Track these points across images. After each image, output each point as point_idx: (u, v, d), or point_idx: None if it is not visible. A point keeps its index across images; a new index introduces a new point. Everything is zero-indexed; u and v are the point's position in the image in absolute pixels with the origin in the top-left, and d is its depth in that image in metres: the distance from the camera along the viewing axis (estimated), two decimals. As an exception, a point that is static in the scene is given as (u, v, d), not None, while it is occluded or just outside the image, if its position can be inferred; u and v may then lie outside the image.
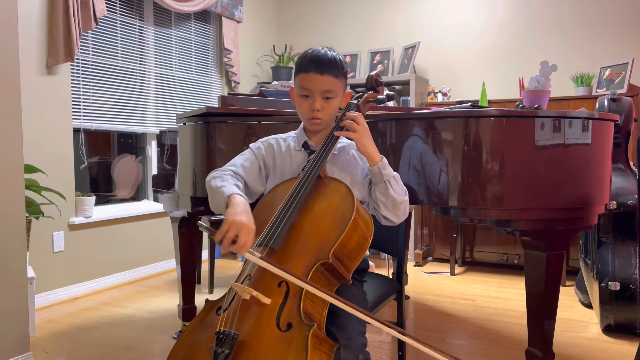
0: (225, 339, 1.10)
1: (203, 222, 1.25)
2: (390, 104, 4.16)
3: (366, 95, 1.55)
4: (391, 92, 1.62)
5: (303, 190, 1.30)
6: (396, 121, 1.74)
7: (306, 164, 1.39)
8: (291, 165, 1.48)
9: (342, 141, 1.51)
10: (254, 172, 1.48)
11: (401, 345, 1.89)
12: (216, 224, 1.23)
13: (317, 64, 1.38)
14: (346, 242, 1.23)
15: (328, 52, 1.41)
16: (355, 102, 1.53)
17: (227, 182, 1.36)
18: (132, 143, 3.78)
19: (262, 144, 1.54)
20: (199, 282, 3.37)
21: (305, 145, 1.48)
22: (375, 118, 1.78)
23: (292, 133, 1.55)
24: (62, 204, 2.89)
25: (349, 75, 4.49)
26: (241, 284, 1.20)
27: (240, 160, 1.50)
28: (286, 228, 1.24)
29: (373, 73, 1.58)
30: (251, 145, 1.55)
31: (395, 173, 1.38)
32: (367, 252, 1.58)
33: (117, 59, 3.43)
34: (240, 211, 1.23)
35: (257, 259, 1.16)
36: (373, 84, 1.56)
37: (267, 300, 1.14)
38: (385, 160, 1.35)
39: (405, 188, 1.42)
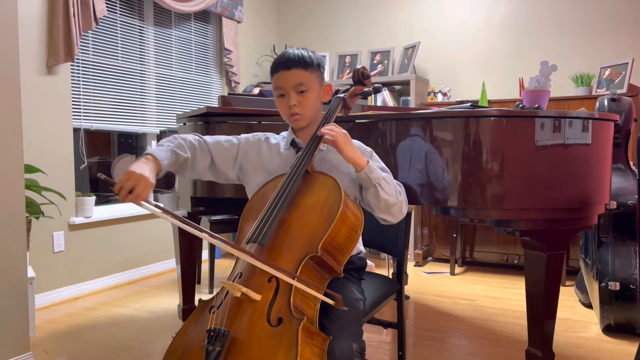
0: (216, 337, 1.11)
1: (103, 175, 1.27)
2: (388, 100, 4.17)
3: (353, 88, 1.56)
4: (378, 85, 1.62)
5: (291, 185, 1.31)
6: (396, 121, 1.74)
7: (294, 160, 1.40)
8: (279, 162, 1.50)
9: None
10: (227, 155, 1.51)
11: (401, 345, 1.89)
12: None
13: (284, 62, 1.42)
14: (335, 235, 1.23)
15: (295, 50, 1.45)
16: (342, 95, 1.54)
17: (165, 147, 1.39)
18: (132, 143, 3.78)
19: (252, 137, 1.57)
20: (199, 282, 3.37)
21: (293, 144, 1.50)
22: (375, 118, 1.78)
23: (283, 133, 1.58)
24: (62, 204, 2.89)
25: (348, 75, 4.50)
26: (232, 281, 1.20)
27: (220, 138, 1.54)
28: (275, 224, 1.25)
29: (359, 66, 1.59)
30: (242, 135, 1.57)
31: (385, 174, 1.37)
32: (364, 250, 1.58)
33: (117, 59, 3.43)
34: (143, 167, 1.26)
35: (153, 207, 1.19)
36: (359, 77, 1.58)
37: (257, 297, 1.15)
38: (372, 164, 1.35)
39: (398, 187, 1.41)
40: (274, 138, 1.57)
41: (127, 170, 1.23)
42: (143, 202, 1.21)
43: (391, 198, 1.36)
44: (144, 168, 1.25)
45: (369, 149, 1.50)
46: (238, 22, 4.40)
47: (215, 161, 1.50)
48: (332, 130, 1.34)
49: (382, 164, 1.48)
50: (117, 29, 3.42)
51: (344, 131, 1.36)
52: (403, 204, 1.40)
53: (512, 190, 1.59)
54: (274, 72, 1.45)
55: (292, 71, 1.41)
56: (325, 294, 1.17)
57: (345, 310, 1.19)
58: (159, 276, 3.66)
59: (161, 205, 1.22)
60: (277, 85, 1.44)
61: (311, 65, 1.43)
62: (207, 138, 1.51)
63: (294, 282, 1.15)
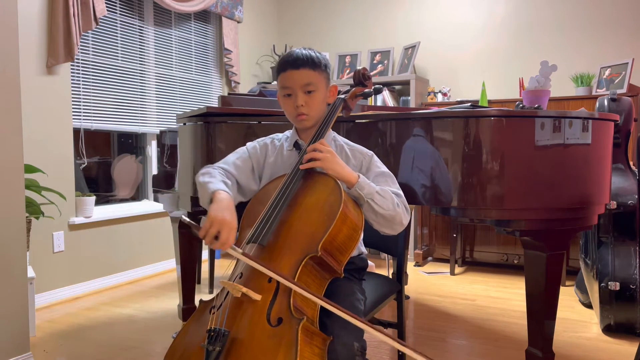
0: (216, 337, 1.11)
1: (187, 218, 1.27)
2: (388, 100, 4.17)
3: (353, 89, 1.56)
4: (379, 86, 1.62)
5: (291, 186, 1.31)
6: (396, 121, 1.74)
7: (296, 161, 1.39)
8: (283, 164, 1.49)
9: (336, 139, 1.51)
10: (247, 171, 1.50)
11: (401, 345, 1.89)
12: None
13: (293, 61, 1.41)
14: (335, 235, 1.23)
15: (303, 50, 1.44)
16: (342, 97, 1.54)
17: (215, 179, 1.38)
18: (132, 143, 3.78)
19: (258, 144, 1.56)
20: (199, 282, 3.37)
21: (296, 145, 1.50)
22: (376, 118, 1.79)
23: (287, 132, 1.57)
24: (62, 204, 2.89)
25: (348, 75, 4.50)
26: (232, 282, 1.21)
27: (233, 158, 1.52)
28: (275, 224, 1.26)
29: (360, 67, 1.59)
30: (248, 144, 1.56)
31: (379, 188, 1.34)
32: (365, 251, 1.58)
33: (117, 59, 3.43)
34: (223, 207, 1.25)
35: (240, 255, 1.18)
36: (360, 78, 1.57)
37: (257, 297, 1.15)
38: (362, 179, 1.31)
39: (396, 198, 1.36)
40: (277, 139, 1.56)
41: (209, 215, 1.22)
42: (230, 249, 1.20)
43: (387, 212, 1.32)
44: (224, 210, 1.24)
45: (370, 152, 1.48)
46: (238, 22, 4.40)
47: (240, 182, 1.48)
48: (316, 151, 1.31)
49: (383, 168, 1.45)
50: (117, 29, 3.42)
51: (329, 149, 1.33)
52: (403, 216, 1.35)
53: (512, 190, 1.59)
54: (281, 71, 1.44)
55: (301, 71, 1.40)
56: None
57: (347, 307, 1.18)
58: (159, 276, 3.66)
59: (244, 251, 1.20)
60: (285, 85, 1.43)
61: (319, 65, 1.42)
62: (222, 165, 1.49)
63: (294, 286, 1.14)
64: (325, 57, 1.48)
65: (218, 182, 1.36)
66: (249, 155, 1.52)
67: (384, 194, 1.33)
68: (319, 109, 1.45)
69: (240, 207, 1.45)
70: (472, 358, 2.22)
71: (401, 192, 1.40)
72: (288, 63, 1.42)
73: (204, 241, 1.20)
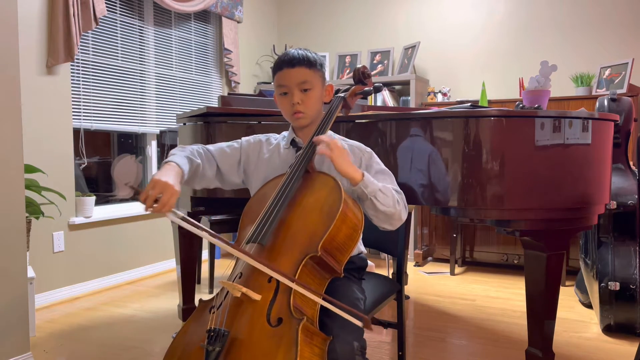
0: (216, 337, 1.11)
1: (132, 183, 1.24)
2: (388, 100, 4.17)
3: (353, 88, 1.56)
4: (379, 84, 1.62)
5: (291, 185, 1.31)
6: (396, 121, 1.74)
7: (294, 160, 1.40)
8: (279, 162, 1.50)
9: (334, 136, 1.52)
10: (231, 160, 1.52)
11: (401, 345, 1.89)
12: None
13: (288, 60, 1.43)
14: (335, 234, 1.23)
15: (299, 50, 1.45)
16: (342, 95, 1.54)
17: (181, 153, 1.39)
18: (132, 143, 3.78)
19: (253, 139, 1.58)
20: (199, 282, 3.37)
21: (293, 143, 1.50)
22: (375, 118, 1.79)
23: (284, 133, 1.58)
24: (62, 204, 2.88)
25: (348, 76, 4.50)
26: (232, 281, 1.20)
27: (222, 145, 1.54)
28: (275, 223, 1.26)
29: (360, 66, 1.59)
30: (243, 138, 1.58)
31: (381, 185, 1.34)
32: (364, 250, 1.58)
33: (117, 59, 3.43)
34: (167, 174, 1.25)
35: (180, 220, 1.18)
36: (360, 76, 1.58)
37: (257, 297, 1.15)
38: (367, 177, 1.32)
39: (397, 196, 1.37)
40: (274, 138, 1.57)
41: (152, 178, 1.22)
42: (169, 213, 1.19)
43: (389, 209, 1.33)
44: (168, 175, 1.24)
45: (368, 149, 1.49)
46: (238, 22, 4.40)
47: (220, 168, 1.50)
48: (329, 144, 1.31)
49: (382, 166, 1.46)
50: (117, 29, 3.42)
51: (340, 145, 1.33)
52: (402, 213, 1.37)
53: (512, 190, 1.59)
54: (277, 70, 1.45)
55: (297, 69, 1.41)
56: (353, 315, 1.14)
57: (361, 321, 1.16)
58: (159, 276, 3.66)
59: (186, 216, 1.19)
60: (280, 83, 1.44)
61: (314, 64, 1.43)
62: (210, 146, 1.51)
63: (294, 286, 1.14)
64: (321, 57, 1.49)
65: (181, 157, 1.37)
66: (240, 147, 1.54)
67: (385, 192, 1.34)
68: (315, 107, 1.45)
69: (239, 207, 1.45)
70: (472, 358, 2.22)
71: (400, 190, 1.42)
72: (284, 62, 1.43)
73: (145, 205, 1.18)
